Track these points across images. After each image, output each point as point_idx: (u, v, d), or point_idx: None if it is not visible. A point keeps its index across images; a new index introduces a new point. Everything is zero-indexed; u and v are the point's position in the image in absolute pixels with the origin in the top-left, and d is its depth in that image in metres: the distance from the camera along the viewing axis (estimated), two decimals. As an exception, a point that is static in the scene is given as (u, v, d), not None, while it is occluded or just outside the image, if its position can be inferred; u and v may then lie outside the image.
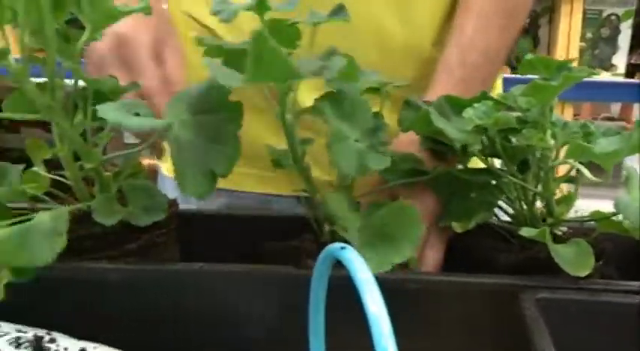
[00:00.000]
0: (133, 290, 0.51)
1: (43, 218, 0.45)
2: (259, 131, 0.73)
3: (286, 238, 0.56)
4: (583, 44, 1.87)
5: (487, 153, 0.57)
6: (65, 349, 0.45)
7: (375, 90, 0.58)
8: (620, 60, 1.92)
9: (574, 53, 1.81)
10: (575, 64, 0.57)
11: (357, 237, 0.50)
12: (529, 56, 0.56)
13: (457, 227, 0.56)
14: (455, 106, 0.55)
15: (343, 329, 0.43)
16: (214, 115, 0.50)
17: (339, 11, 0.54)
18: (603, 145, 0.51)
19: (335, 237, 0.53)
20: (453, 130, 0.52)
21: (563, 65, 0.53)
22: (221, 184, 0.49)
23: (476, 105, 0.53)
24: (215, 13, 0.52)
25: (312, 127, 0.57)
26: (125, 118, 0.47)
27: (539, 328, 0.45)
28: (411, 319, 0.50)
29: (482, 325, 0.51)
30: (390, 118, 0.56)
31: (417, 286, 0.49)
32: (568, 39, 1.81)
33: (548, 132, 0.53)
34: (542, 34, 1.87)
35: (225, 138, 0.50)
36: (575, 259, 0.50)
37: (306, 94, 0.57)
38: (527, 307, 0.49)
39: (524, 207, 0.57)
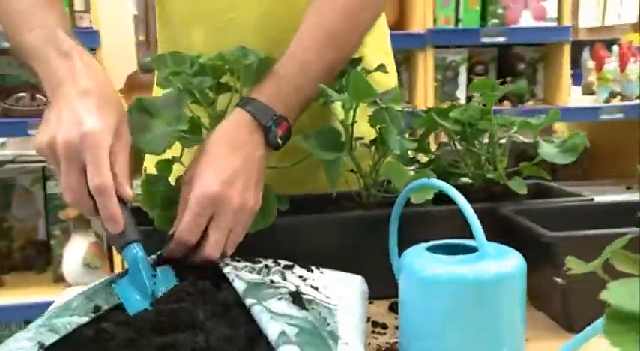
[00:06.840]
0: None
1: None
2: None
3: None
4: (436, 83, 2.43)
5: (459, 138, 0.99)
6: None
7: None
8: (462, 94, 2.51)
9: (431, 90, 2.36)
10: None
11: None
12: (476, 82, 0.99)
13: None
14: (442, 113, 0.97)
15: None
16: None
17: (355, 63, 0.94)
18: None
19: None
20: (444, 123, 0.94)
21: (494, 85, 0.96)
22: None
23: (456, 110, 0.95)
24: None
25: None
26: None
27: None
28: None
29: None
30: None
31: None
32: (425, 80, 2.35)
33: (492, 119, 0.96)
34: (404, 77, 2.41)
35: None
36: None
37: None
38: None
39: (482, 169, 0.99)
